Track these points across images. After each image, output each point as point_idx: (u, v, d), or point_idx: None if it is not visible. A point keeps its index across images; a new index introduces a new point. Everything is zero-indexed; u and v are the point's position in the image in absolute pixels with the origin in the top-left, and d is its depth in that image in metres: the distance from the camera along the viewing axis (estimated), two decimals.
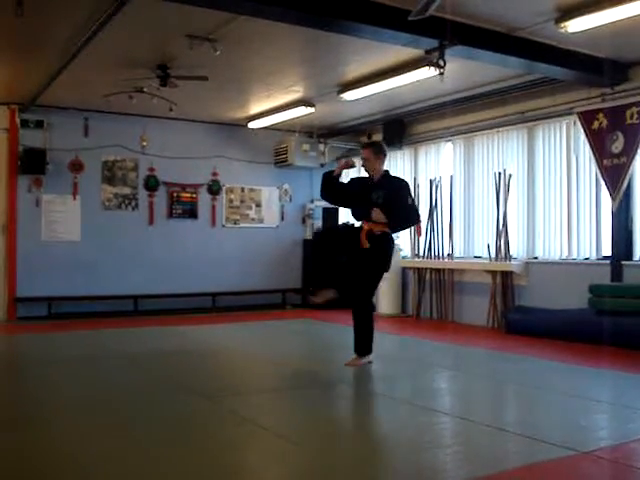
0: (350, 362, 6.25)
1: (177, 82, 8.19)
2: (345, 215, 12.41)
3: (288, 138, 11.87)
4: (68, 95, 9.54)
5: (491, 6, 6.05)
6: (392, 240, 6.36)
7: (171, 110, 9.45)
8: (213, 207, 11.76)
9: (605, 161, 7.99)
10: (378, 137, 11.48)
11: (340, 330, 9.14)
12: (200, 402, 4.94)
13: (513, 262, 9.16)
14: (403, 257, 11.05)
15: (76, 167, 10.54)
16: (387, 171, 6.45)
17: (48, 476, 3.39)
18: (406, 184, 6.44)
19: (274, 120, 10.92)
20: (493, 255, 9.38)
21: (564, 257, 8.72)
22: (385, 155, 6.43)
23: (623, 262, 7.96)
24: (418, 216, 6.67)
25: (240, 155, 11.98)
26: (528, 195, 9.18)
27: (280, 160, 12.06)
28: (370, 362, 6.27)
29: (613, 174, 7.90)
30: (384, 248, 6.25)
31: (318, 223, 12.38)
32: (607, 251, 8.18)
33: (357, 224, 6.41)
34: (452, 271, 10.23)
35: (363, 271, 6.24)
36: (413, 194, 7.13)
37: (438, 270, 10.43)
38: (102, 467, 3.48)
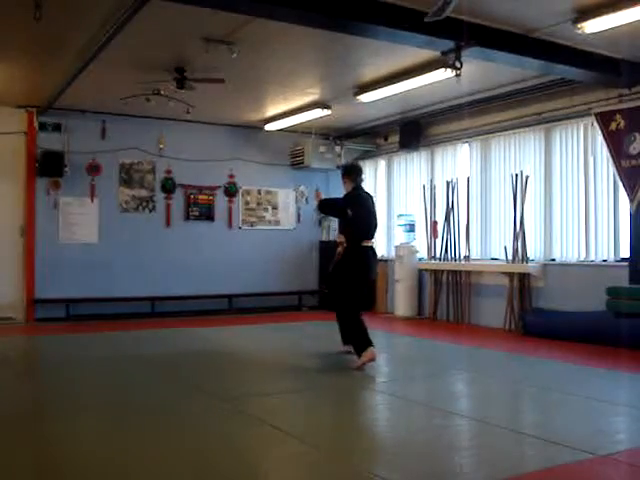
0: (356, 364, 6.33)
1: (194, 85, 8.22)
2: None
3: (304, 140, 11.88)
4: (85, 98, 9.60)
5: (508, 7, 6.02)
6: (353, 253, 6.61)
7: (188, 112, 9.50)
8: (230, 209, 11.79)
9: (623, 162, 7.93)
10: (395, 139, 11.49)
11: None
12: (215, 403, 4.95)
13: (530, 264, 9.11)
14: (419, 259, 11.04)
15: (94, 170, 10.61)
16: (353, 188, 6.86)
17: (64, 471, 3.42)
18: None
19: (290, 122, 10.93)
20: (510, 257, 9.33)
21: (581, 259, 8.66)
22: (344, 175, 6.93)
23: None
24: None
25: (256, 157, 12.00)
26: (545, 197, 9.13)
27: (296, 162, 12.08)
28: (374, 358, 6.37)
29: (631, 175, 7.84)
30: (343, 260, 6.70)
31: (335, 225, 12.37)
32: (625, 253, 8.12)
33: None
34: (469, 273, 10.20)
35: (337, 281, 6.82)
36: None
37: (455, 272, 10.40)
38: (117, 467, 3.50)
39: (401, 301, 10.96)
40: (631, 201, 7.87)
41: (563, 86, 8.41)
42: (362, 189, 6.94)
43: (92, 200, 10.61)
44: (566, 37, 6.72)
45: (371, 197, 7.08)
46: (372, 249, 6.70)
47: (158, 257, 11.05)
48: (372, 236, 6.72)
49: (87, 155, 10.55)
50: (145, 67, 7.98)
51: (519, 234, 9.26)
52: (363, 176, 7.03)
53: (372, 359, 6.28)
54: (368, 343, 6.33)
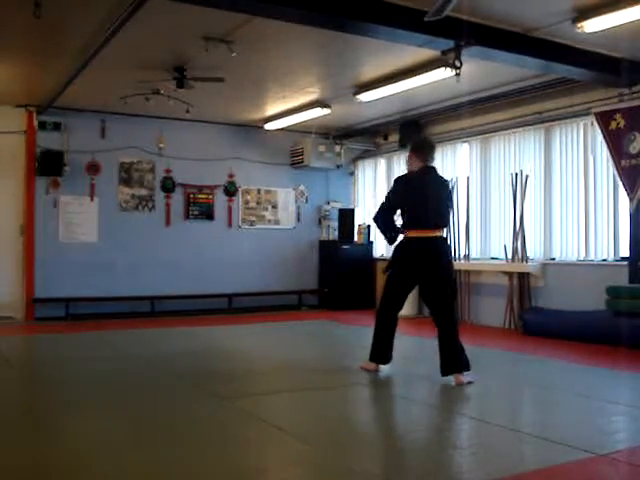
0: (364, 365, 6.19)
1: (193, 84, 8.22)
2: (360, 218, 12.44)
3: (304, 139, 11.87)
4: (85, 97, 9.60)
5: (507, 6, 6.02)
6: (399, 244, 5.99)
7: (187, 112, 9.49)
8: (229, 208, 11.78)
9: (623, 162, 7.93)
10: (394, 138, 11.50)
11: (355, 331, 9.14)
12: (215, 403, 4.95)
13: (530, 263, 9.11)
14: None
15: (93, 169, 10.61)
16: (420, 169, 5.91)
17: (65, 472, 3.41)
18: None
19: (290, 121, 10.93)
20: (510, 256, 9.34)
21: (581, 258, 8.66)
22: (411, 150, 5.95)
23: None
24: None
25: (256, 156, 11.99)
26: (545, 196, 9.13)
27: (296, 161, 12.07)
28: (375, 370, 6.07)
29: (631, 175, 7.84)
30: None
31: (334, 224, 12.37)
32: (625, 252, 8.13)
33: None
34: (469, 272, 10.20)
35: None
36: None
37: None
38: (116, 466, 3.50)
39: None
40: (631, 200, 7.87)
41: (563, 85, 8.40)
42: (429, 171, 5.89)
43: (92, 199, 10.61)
44: (566, 36, 6.72)
45: (438, 180, 5.95)
46: (422, 240, 5.71)
47: (158, 256, 11.04)
48: (425, 225, 5.71)
49: (87, 154, 10.55)
50: (145, 66, 7.98)
51: (519, 233, 9.26)
52: (434, 154, 5.97)
53: (371, 370, 6.05)
54: (376, 358, 6.05)
